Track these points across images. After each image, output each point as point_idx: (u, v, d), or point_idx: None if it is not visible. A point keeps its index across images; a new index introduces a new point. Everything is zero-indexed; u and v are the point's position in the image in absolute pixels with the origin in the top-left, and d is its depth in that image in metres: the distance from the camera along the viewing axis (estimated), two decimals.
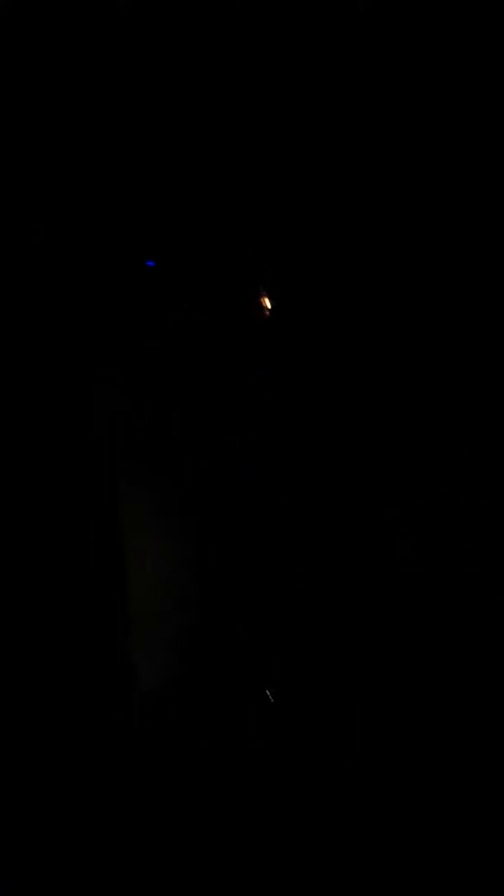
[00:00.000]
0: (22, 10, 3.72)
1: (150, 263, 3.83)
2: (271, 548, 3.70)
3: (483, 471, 3.67)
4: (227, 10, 3.73)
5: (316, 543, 3.73)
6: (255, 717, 3.49)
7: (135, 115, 3.80)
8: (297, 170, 3.82)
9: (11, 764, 3.31)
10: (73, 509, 3.56)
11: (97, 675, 3.40)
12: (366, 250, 3.80)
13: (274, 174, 3.82)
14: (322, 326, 3.81)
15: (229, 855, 3.35)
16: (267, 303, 3.67)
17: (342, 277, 3.81)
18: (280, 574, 3.70)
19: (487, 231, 3.74)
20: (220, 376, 3.82)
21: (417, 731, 3.56)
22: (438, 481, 3.68)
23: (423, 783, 3.53)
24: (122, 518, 3.56)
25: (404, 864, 3.46)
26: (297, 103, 3.78)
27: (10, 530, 3.52)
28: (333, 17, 3.70)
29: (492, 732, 3.51)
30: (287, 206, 3.83)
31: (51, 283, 3.80)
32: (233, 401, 3.82)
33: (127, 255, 3.84)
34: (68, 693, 3.36)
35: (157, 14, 3.74)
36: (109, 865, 3.27)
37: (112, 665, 3.42)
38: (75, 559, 3.52)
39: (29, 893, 3.23)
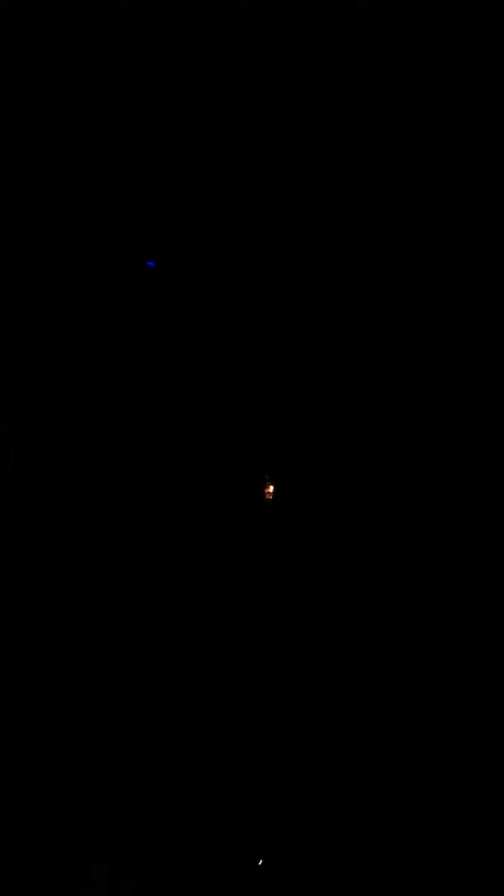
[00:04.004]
0: (22, 10, 3.71)
1: (150, 263, 3.83)
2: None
3: (483, 472, 3.67)
4: (227, 9, 3.73)
5: (317, 543, 3.74)
6: None
7: (135, 116, 3.80)
8: (297, 169, 3.82)
9: None
10: None
11: None
12: (365, 249, 3.80)
13: (274, 174, 3.82)
14: (322, 327, 3.81)
15: None
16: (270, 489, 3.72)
17: (342, 278, 3.81)
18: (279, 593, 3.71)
19: (487, 227, 3.73)
20: (219, 376, 3.82)
21: (418, 731, 3.56)
22: (438, 482, 3.68)
23: (424, 784, 3.53)
24: None
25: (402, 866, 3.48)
26: (297, 103, 3.78)
27: None
28: (333, 17, 3.70)
29: (492, 735, 3.51)
30: (287, 206, 3.83)
31: (51, 283, 3.80)
32: (232, 399, 3.82)
33: (127, 255, 3.84)
34: None
35: (157, 14, 3.74)
36: None
37: None
38: None
39: None
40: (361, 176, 3.79)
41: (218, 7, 3.72)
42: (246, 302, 3.83)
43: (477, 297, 3.74)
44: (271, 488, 3.76)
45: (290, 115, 3.79)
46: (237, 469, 3.81)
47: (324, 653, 3.67)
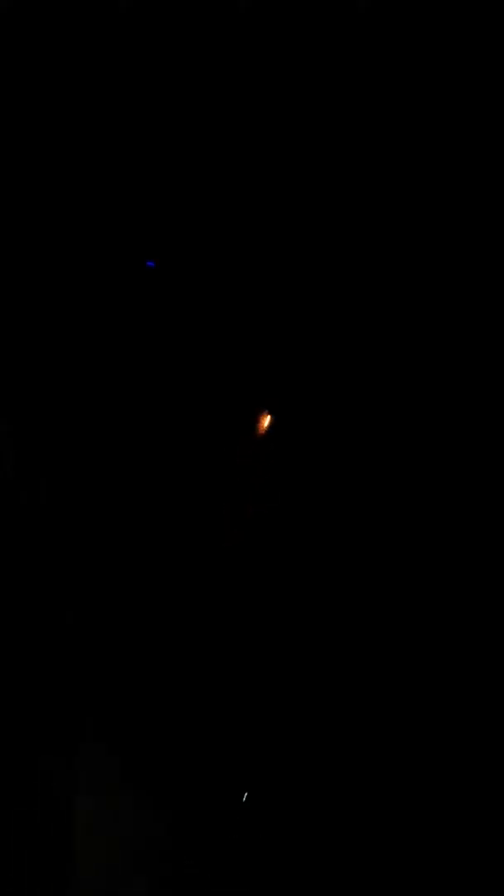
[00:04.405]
0: (22, 10, 3.71)
1: (150, 264, 3.83)
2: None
3: (483, 475, 3.67)
4: (227, 9, 3.73)
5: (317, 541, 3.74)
6: None
7: (135, 116, 3.80)
8: (297, 169, 3.82)
9: None
10: None
11: None
12: (365, 250, 3.80)
13: (274, 174, 3.82)
14: (321, 329, 3.81)
15: None
16: (266, 422, 3.68)
17: (341, 278, 3.81)
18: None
19: (486, 226, 3.74)
20: (219, 376, 3.83)
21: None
22: (437, 484, 3.68)
23: (424, 784, 3.54)
24: None
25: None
26: (297, 103, 3.78)
27: None
28: (333, 17, 3.70)
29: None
30: (286, 205, 3.83)
31: (51, 284, 3.80)
32: (232, 399, 3.82)
33: (127, 255, 3.84)
34: None
35: (157, 14, 3.74)
36: None
37: None
38: None
39: None
40: (361, 175, 3.79)
41: (218, 7, 3.72)
42: (244, 302, 3.83)
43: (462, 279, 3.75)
44: (267, 421, 3.72)
45: (290, 115, 3.78)
46: (236, 468, 3.81)
47: (324, 652, 3.68)
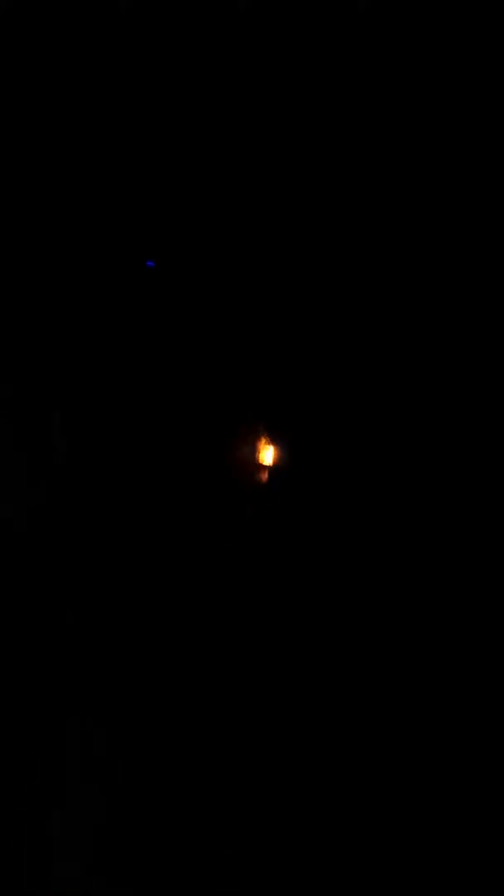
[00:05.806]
0: (22, 10, 3.72)
1: (150, 263, 3.83)
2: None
3: (483, 477, 3.67)
4: (227, 9, 3.73)
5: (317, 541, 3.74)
6: None
7: (135, 116, 3.80)
8: (297, 169, 3.82)
9: None
10: None
11: None
12: (365, 251, 3.80)
13: (273, 174, 3.82)
14: (320, 329, 3.81)
15: None
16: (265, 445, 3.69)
17: (341, 279, 3.81)
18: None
19: (487, 228, 3.74)
20: (219, 376, 3.83)
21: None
22: (437, 483, 3.68)
23: (424, 785, 3.54)
24: None
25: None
26: (297, 103, 3.78)
27: None
28: (333, 17, 3.70)
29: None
30: (287, 206, 3.83)
31: (51, 283, 3.81)
32: (232, 398, 3.83)
33: (127, 255, 3.84)
34: None
35: (157, 14, 3.74)
36: None
37: None
38: None
39: None
40: (361, 176, 3.79)
41: (218, 7, 3.72)
42: (244, 302, 3.83)
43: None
44: (269, 453, 3.72)
45: (289, 115, 3.79)
46: (236, 468, 3.81)
47: (324, 653, 3.68)
